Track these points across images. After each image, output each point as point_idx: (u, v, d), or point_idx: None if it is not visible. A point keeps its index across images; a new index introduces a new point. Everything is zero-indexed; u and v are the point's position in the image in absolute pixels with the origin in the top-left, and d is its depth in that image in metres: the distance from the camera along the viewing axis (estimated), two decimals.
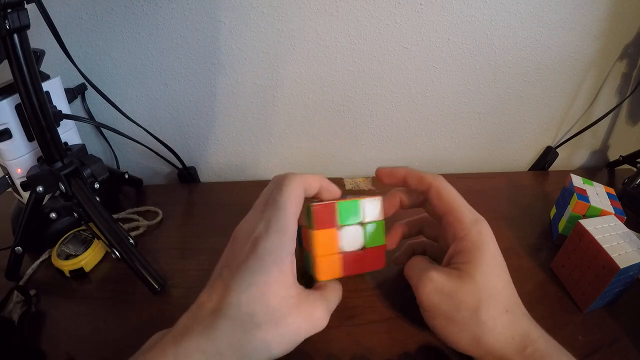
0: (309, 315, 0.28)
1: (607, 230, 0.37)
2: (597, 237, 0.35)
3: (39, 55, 0.42)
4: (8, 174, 0.44)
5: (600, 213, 0.41)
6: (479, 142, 0.63)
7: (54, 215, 0.42)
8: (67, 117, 0.46)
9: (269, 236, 0.27)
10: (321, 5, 0.49)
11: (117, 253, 0.39)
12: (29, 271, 0.42)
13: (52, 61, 0.47)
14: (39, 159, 0.44)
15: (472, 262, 0.29)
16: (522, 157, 0.66)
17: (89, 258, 0.42)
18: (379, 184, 0.57)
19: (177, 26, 0.50)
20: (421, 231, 0.38)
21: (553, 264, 0.42)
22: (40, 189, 0.40)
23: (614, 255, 0.33)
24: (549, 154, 0.64)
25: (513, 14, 0.51)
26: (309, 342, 0.34)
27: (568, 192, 0.45)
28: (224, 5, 0.48)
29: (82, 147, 0.46)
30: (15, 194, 0.47)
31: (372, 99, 0.57)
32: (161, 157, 0.57)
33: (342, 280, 0.34)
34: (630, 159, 0.59)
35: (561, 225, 0.45)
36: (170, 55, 0.52)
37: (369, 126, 0.59)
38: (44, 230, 0.44)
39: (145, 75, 0.53)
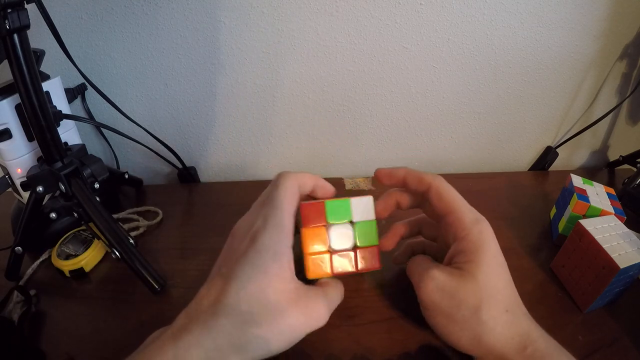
0: (308, 310, 0.28)
1: (607, 230, 0.37)
2: (597, 237, 0.35)
3: (39, 55, 0.42)
4: (8, 174, 0.44)
5: (600, 213, 0.41)
6: (479, 142, 0.63)
7: (54, 215, 0.42)
8: (67, 117, 0.46)
9: (267, 231, 0.27)
10: (321, 5, 0.49)
11: (117, 253, 0.39)
12: (29, 271, 0.42)
13: (52, 61, 0.47)
14: (39, 159, 0.44)
15: (473, 261, 0.29)
16: (522, 157, 0.66)
17: (89, 258, 0.42)
18: (379, 184, 0.57)
19: (177, 26, 0.50)
20: (420, 232, 0.38)
21: (553, 264, 0.42)
22: (40, 189, 0.40)
23: (614, 255, 0.33)
24: (549, 154, 0.64)
25: (513, 14, 0.51)
26: (309, 342, 0.34)
27: (568, 192, 0.45)
28: (224, 5, 0.48)
29: (82, 147, 0.46)
30: (15, 194, 0.47)
31: (372, 99, 0.57)
32: (161, 157, 0.57)
33: (342, 280, 0.34)
34: (630, 159, 0.59)
35: (561, 225, 0.45)
36: (170, 55, 0.52)
37: (369, 126, 0.59)
38: (44, 230, 0.44)
39: (145, 75, 0.53)
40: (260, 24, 0.50)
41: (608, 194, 0.44)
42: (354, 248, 0.33)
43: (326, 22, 0.50)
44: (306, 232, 0.31)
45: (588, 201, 0.42)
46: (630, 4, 0.52)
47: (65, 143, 0.46)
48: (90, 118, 0.55)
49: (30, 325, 0.36)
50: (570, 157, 0.67)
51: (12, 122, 0.41)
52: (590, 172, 0.65)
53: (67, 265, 0.41)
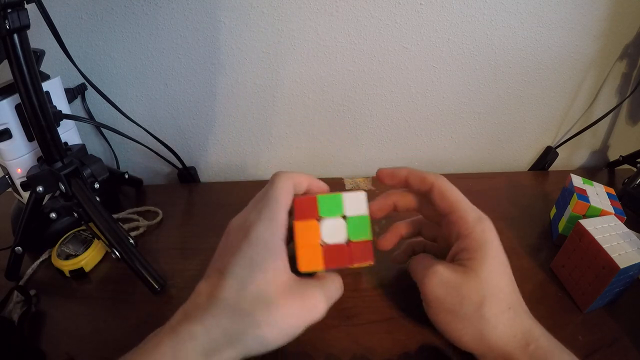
0: (303, 301, 0.27)
1: (607, 230, 0.37)
2: (597, 237, 0.35)
3: (39, 55, 0.42)
4: (8, 174, 0.44)
5: (600, 213, 0.41)
6: (479, 142, 0.63)
7: (54, 215, 0.42)
8: (67, 117, 0.46)
9: (260, 224, 0.28)
10: (321, 5, 0.49)
11: (117, 253, 0.39)
12: (29, 271, 0.42)
13: (52, 61, 0.47)
14: (39, 159, 0.44)
15: (476, 258, 0.30)
16: (522, 157, 0.66)
17: (89, 258, 0.42)
18: (379, 184, 0.57)
19: (177, 26, 0.50)
20: (420, 232, 0.38)
21: (553, 264, 0.42)
22: (40, 189, 0.40)
23: (614, 255, 0.33)
24: (549, 154, 0.64)
25: (513, 14, 0.51)
26: (309, 342, 0.34)
27: (568, 192, 0.45)
28: (224, 5, 0.48)
29: (82, 147, 0.46)
30: (15, 194, 0.47)
31: (372, 99, 0.57)
32: (161, 157, 0.57)
33: (342, 280, 0.34)
34: (630, 159, 0.59)
35: (561, 225, 0.45)
36: (170, 55, 0.52)
37: (369, 126, 0.59)
38: (44, 230, 0.44)
39: (145, 75, 0.53)
40: (260, 24, 0.50)
41: (608, 194, 0.44)
42: (347, 242, 0.32)
43: (326, 22, 0.50)
44: (298, 226, 0.31)
45: (588, 201, 0.42)
46: (630, 4, 0.52)
47: (65, 143, 0.46)
48: (90, 118, 0.55)
49: (30, 325, 0.36)
50: (570, 157, 0.67)
51: (12, 122, 0.41)
52: (590, 172, 0.65)
53: (67, 265, 0.41)
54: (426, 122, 0.60)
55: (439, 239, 0.36)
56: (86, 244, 0.43)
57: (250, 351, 0.26)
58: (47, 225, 0.44)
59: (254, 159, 0.62)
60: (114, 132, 0.50)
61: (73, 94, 0.51)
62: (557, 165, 0.65)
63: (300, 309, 0.27)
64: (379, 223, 0.45)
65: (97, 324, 0.37)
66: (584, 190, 0.44)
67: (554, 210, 0.49)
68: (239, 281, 0.26)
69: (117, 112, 0.51)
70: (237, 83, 0.54)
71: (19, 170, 0.43)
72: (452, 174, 0.61)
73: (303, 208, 0.32)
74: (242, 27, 0.50)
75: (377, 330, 0.35)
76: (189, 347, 0.24)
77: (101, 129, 0.57)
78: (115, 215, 0.49)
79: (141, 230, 0.48)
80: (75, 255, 0.41)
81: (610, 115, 0.59)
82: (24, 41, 0.34)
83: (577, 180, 0.45)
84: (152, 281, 0.38)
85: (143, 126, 0.53)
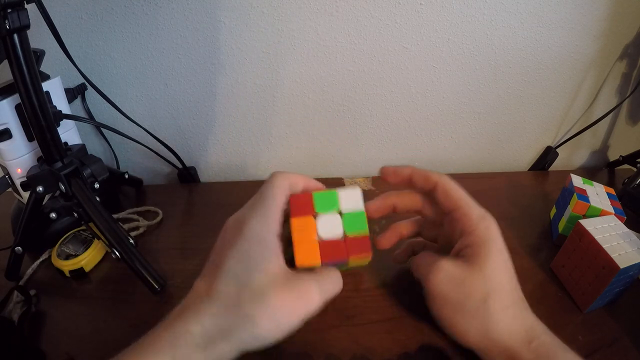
0: (296, 292, 0.27)
1: (607, 230, 0.37)
2: (597, 237, 0.35)
3: (39, 55, 0.42)
4: (8, 174, 0.44)
5: (600, 213, 0.41)
6: (479, 142, 0.63)
7: (54, 215, 0.42)
8: (67, 117, 0.46)
9: (254, 219, 0.28)
10: (321, 5, 0.49)
11: (117, 253, 0.39)
12: (29, 271, 0.42)
13: (52, 61, 0.47)
14: (39, 159, 0.44)
15: (480, 254, 0.30)
16: (522, 157, 0.66)
17: (89, 258, 0.42)
18: (379, 184, 0.57)
19: (177, 26, 0.50)
20: (420, 233, 0.38)
21: (553, 264, 0.42)
22: (40, 189, 0.40)
23: (614, 255, 0.33)
24: (549, 154, 0.64)
25: (513, 14, 0.51)
26: (309, 342, 0.34)
27: (568, 192, 0.45)
28: (224, 5, 0.48)
29: (82, 147, 0.46)
30: (15, 194, 0.47)
31: (372, 99, 0.57)
32: (161, 157, 0.57)
33: (342, 281, 0.34)
34: (630, 159, 0.59)
35: (561, 225, 0.45)
36: (170, 55, 0.52)
37: (369, 126, 0.59)
38: (44, 230, 0.44)
39: (145, 75, 0.53)
40: (260, 24, 0.50)
41: (608, 194, 0.44)
42: (344, 237, 0.32)
43: (326, 22, 0.50)
44: (295, 222, 0.31)
45: (588, 201, 0.42)
46: (630, 4, 0.52)
47: (65, 143, 0.46)
48: (90, 118, 0.55)
49: (30, 325, 0.36)
50: (570, 157, 0.67)
51: (12, 122, 0.41)
52: (590, 172, 0.65)
53: (67, 265, 0.41)
54: (426, 122, 0.60)
55: (440, 239, 0.36)
56: (86, 244, 0.43)
57: (246, 345, 0.26)
58: (47, 225, 0.44)
59: (254, 159, 0.62)
60: (114, 132, 0.50)
61: (73, 94, 0.51)
62: (557, 165, 0.65)
63: (294, 302, 0.27)
64: (379, 223, 0.45)
65: (97, 324, 0.37)
66: (584, 190, 0.44)
67: (554, 210, 0.49)
68: (233, 276, 0.27)
69: (117, 112, 0.51)
70: (237, 83, 0.54)
71: (19, 170, 0.43)
72: (452, 174, 0.60)
73: (299, 205, 0.32)
74: (242, 27, 0.50)
75: (377, 330, 0.35)
76: (185, 341, 0.25)
77: (101, 129, 0.57)
78: (115, 215, 0.49)
79: (141, 230, 0.48)
80: (75, 255, 0.41)
81: (610, 115, 0.59)
82: (24, 41, 0.34)
83: (577, 180, 0.45)
84: (152, 281, 0.38)
85: (143, 126, 0.53)
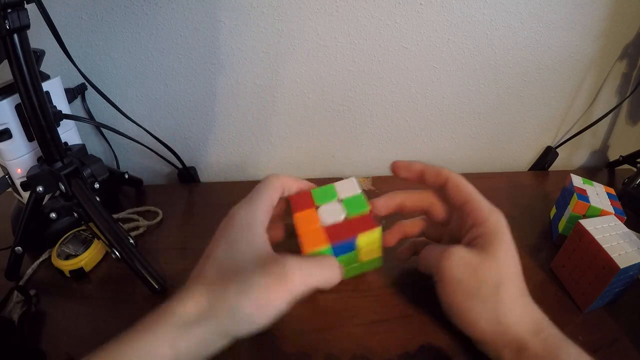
0: (275, 275, 0.26)
1: (607, 230, 0.37)
2: (597, 237, 0.35)
3: (39, 55, 0.42)
4: (8, 174, 0.44)
5: (600, 213, 0.41)
6: (479, 142, 0.63)
7: (54, 215, 0.42)
8: (67, 117, 0.46)
9: (242, 209, 0.30)
10: (321, 5, 0.49)
11: (117, 253, 0.39)
12: (29, 271, 0.42)
13: (52, 61, 0.47)
14: (39, 159, 0.44)
15: (493, 243, 0.30)
16: (522, 157, 0.66)
17: (89, 258, 0.42)
18: (379, 184, 0.57)
19: (177, 26, 0.50)
20: (424, 233, 0.38)
21: (553, 264, 0.42)
22: (40, 189, 0.40)
23: (614, 255, 0.33)
24: (549, 154, 0.64)
25: (513, 14, 0.51)
26: (309, 342, 0.34)
27: (568, 192, 0.45)
28: (224, 5, 0.48)
29: (82, 147, 0.46)
30: (15, 194, 0.47)
31: (372, 99, 0.57)
32: (161, 157, 0.57)
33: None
34: (630, 159, 0.59)
35: (561, 225, 0.45)
36: (170, 55, 0.52)
37: (369, 126, 0.59)
38: (44, 230, 0.44)
39: (145, 75, 0.53)
40: (260, 24, 0.50)
41: (608, 194, 0.44)
42: (347, 219, 0.33)
43: (326, 22, 0.50)
44: (297, 216, 0.32)
45: (588, 201, 0.42)
46: (630, 4, 0.52)
47: (65, 143, 0.46)
48: (90, 118, 0.55)
49: (30, 325, 0.36)
50: (570, 157, 0.67)
51: (12, 122, 0.41)
52: (590, 172, 0.65)
53: (67, 265, 0.41)
54: (426, 122, 0.60)
55: (444, 239, 0.37)
56: (86, 244, 0.43)
57: (229, 330, 0.26)
58: (47, 225, 0.44)
59: (254, 159, 0.62)
60: (114, 132, 0.50)
61: (73, 94, 0.51)
62: (557, 165, 0.65)
63: (273, 283, 0.26)
64: (381, 222, 0.45)
65: (97, 324, 0.37)
66: (584, 190, 0.44)
67: (554, 210, 0.49)
68: (218, 260, 0.28)
69: (117, 112, 0.51)
70: (237, 83, 0.54)
71: (19, 170, 0.43)
72: None
73: (299, 202, 0.33)
74: (242, 27, 0.50)
75: (377, 330, 0.35)
76: (166, 322, 0.25)
77: (101, 129, 0.57)
78: (115, 215, 0.49)
79: (141, 230, 0.48)
80: (75, 255, 0.41)
81: (610, 115, 0.59)
82: (24, 41, 0.34)
83: (577, 180, 0.45)
84: (152, 281, 0.38)
85: (143, 126, 0.53)
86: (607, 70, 0.58)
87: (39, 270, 0.43)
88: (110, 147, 0.59)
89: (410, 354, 0.33)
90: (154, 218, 0.49)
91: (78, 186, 0.41)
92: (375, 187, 0.57)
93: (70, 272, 0.41)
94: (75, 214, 0.43)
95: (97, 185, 0.43)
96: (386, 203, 0.35)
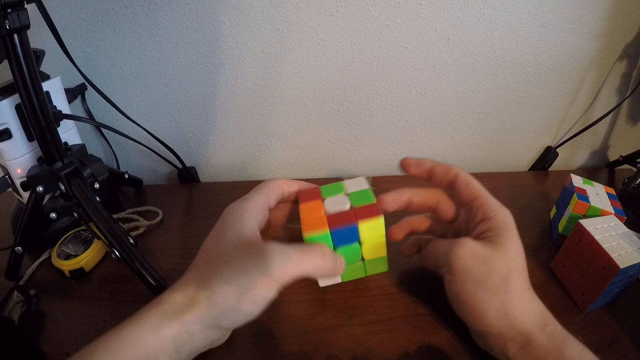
0: (258, 255, 0.26)
1: (607, 230, 0.37)
2: (597, 237, 0.35)
3: (39, 55, 0.42)
4: (8, 174, 0.44)
5: (600, 213, 0.41)
6: (478, 142, 0.63)
7: (54, 215, 0.42)
8: (67, 117, 0.46)
9: (235, 204, 0.31)
10: (321, 5, 0.49)
11: (117, 253, 0.39)
12: (29, 271, 0.42)
13: (52, 61, 0.47)
14: (39, 159, 0.44)
15: (502, 236, 0.31)
16: (522, 157, 0.66)
17: (89, 258, 0.42)
18: (379, 184, 0.57)
19: (177, 26, 0.50)
20: (430, 230, 0.38)
21: (553, 264, 0.42)
22: (40, 189, 0.40)
23: (614, 255, 0.33)
24: (549, 154, 0.64)
25: (513, 14, 0.51)
26: (309, 342, 0.34)
27: (568, 192, 0.45)
28: (224, 5, 0.48)
29: (82, 147, 0.46)
30: (15, 194, 0.47)
31: (372, 99, 0.57)
32: (161, 157, 0.57)
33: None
34: (630, 159, 0.59)
35: (561, 225, 0.45)
36: (170, 55, 0.52)
37: (368, 126, 0.59)
38: (44, 230, 0.44)
39: (145, 75, 0.53)
40: (260, 24, 0.50)
41: (608, 194, 0.44)
42: (351, 208, 0.33)
43: (326, 22, 0.50)
44: (303, 207, 0.33)
45: (588, 201, 0.42)
46: (630, 4, 0.52)
47: (65, 143, 0.46)
48: (90, 118, 0.55)
49: (30, 325, 0.36)
50: (570, 157, 0.67)
51: (12, 122, 0.41)
52: (590, 172, 0.65)
53: (67, 265, 0.41)
54: (426, 122, 0.60)
55: (449, 235, 0.37)
56: (86, 244, 0.43)
57: (215, 319, 0.26)
58: (47, 225, 0.44)
59: (254, 159, 0.62)
60: (114, 132, 0.50)
61: (73, 94, 0.51)
62: (557, 165, 0.65)
63: (254, 263, 0.26)
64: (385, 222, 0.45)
65: (97, 324, 0.37)
66: (584, 190, 0.44)
67: (554, 210, 0.49)
68: (206, 250, 0.29)
69: (117, 112, 0.51)
70: (237, 83, 0.54)
71: (19, 170, 0.43)
72: None
73: (307, 195, 0.34)
74: (242, 27, 0.50)
75: (378, 330, 0.35)
76: (153, 311, 0.26)
77: (101, 129, 0.57)
78: (115, 215, 0.49)
79: (141, 230, 0.48)
80: (75, 255, 0.41)
81: (610, 115, 0.59)
82: (24, 41, 0.34)
83: (577, 180, 0.45)
84: (152, 281, 0.38)
85: (143, 126, 0.53)
86: (607, 70, 0.58)
87: (39, 270, 0.43)
88: (110, 147, 0.59)
89: (410, 354, 0.33)
90: (154, 218, 0.49)
91: (78, 186, 0.41)
92: (375, 187, 0.57)
93: (70, 272, 0.41)
94: (75, 214, 0.43)
95: (97, 185, 0.43)
96: (395, 198, 0.35)
